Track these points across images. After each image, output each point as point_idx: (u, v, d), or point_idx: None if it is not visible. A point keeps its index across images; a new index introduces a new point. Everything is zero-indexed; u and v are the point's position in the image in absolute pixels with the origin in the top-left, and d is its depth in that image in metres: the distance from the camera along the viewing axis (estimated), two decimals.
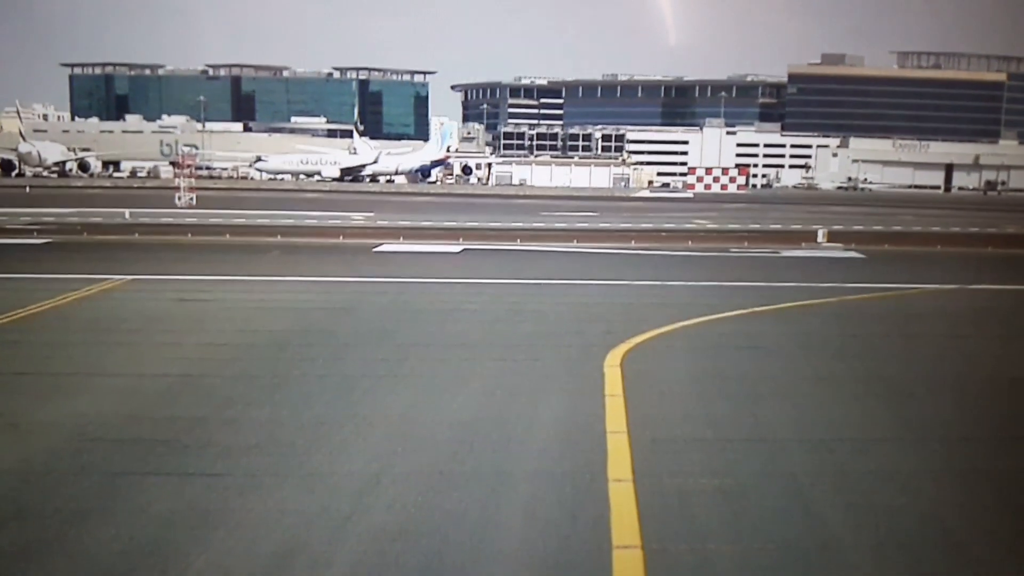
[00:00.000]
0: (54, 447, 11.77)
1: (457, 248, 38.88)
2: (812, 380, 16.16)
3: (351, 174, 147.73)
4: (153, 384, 15.08)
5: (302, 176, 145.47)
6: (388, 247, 39.07)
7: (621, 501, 10.07)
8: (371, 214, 61.93)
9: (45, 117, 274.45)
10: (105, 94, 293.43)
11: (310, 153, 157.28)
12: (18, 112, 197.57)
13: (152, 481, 10.55)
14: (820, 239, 44.37)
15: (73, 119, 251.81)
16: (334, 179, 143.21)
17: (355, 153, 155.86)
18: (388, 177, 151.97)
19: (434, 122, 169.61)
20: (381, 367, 16.45)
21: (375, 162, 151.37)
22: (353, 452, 11.67)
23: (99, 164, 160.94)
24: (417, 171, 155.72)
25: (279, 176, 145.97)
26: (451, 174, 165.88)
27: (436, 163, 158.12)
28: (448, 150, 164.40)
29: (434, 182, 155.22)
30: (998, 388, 16.11)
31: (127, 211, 55.70)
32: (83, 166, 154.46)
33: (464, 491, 10.37)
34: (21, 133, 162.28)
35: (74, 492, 10.21)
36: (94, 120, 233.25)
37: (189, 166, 78.09)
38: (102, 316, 21.81)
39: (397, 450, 11.74)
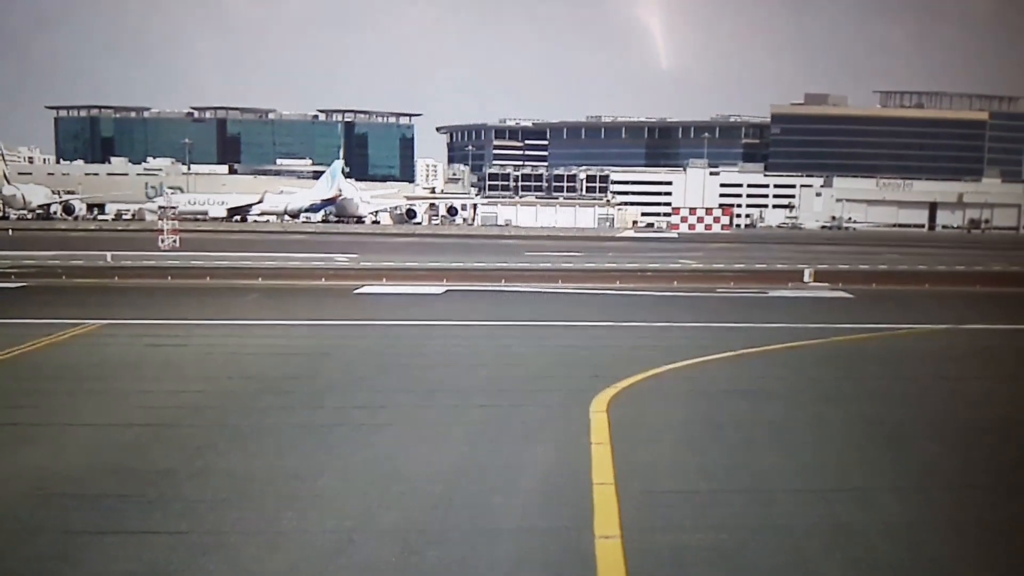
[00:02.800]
0: (8, 503, 11.17)
1: (440, 289, 38.32)
2: (806, 425, 15.63)
3: (238, 214, 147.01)
4: (120, 434, 14.48)
5: (188, 217, 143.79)
6: (370, 289, 38.45)
7: (609, 560, 9.53)
8: (355, 255, 61.42)
9: (31, 160, 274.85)
10: (90, 136, 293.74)
11: (199, 193, 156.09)
12: (2, 155, 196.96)
13: (110, 540, 9.96)
14: (807, 279, 44.01)
15: (58, 162, 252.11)
16: (221, 219, 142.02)
17: (339, 194, 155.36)
18: (279, 217, 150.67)
19: (337, 163, 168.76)
20: (359, 415, 15.86)
21: (260, 201, 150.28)
22: (326, 507, 11.08)
23: (84, 207, 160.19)
24: (307, 210, 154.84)
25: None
26: (436, 215, 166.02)
27: (327, 202, 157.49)
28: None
29: (419, 223, 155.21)
30: (1000, 432, 15.60)
31: (109, 254, 54.99)
32: (67, 209, 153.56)
33: (443, 550, 9.83)
34: (5, 176, 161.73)
35: (25, 553, 9.62)
36: (79, 163, 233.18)
37: (172, 208, 77.68)
38: (72, 363, 21.13)
39: (373, 505, 11.17)
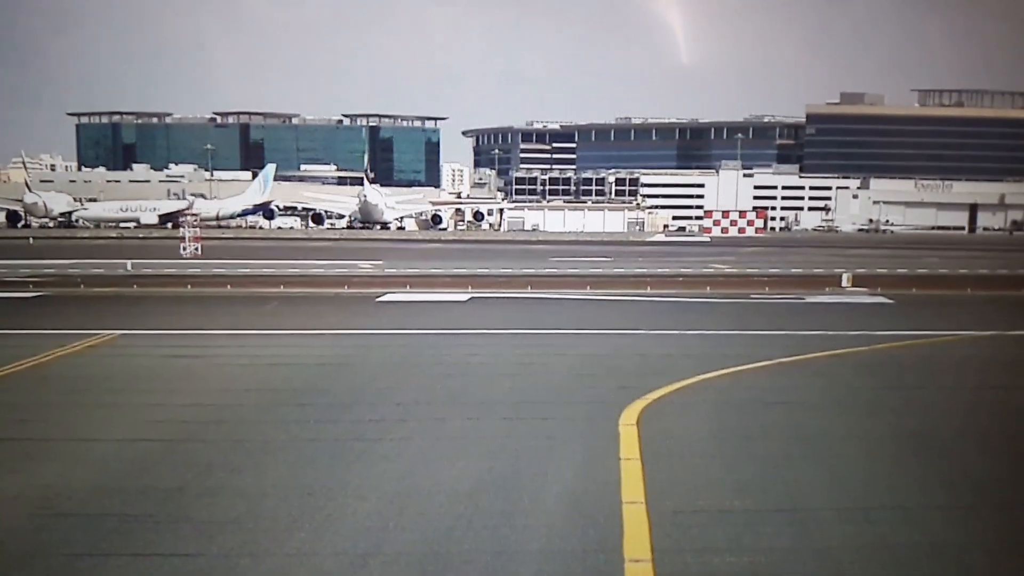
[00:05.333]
0: (12, 524, 10.82)
1: (465, 296, 37.84)
2: (846, 439, 14.98)
3: (171, 219, 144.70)
4: (130, 450, 14.06)
5: (122, 223, 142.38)
6: (393, 296, 38.05)
7: None
8: (380, 262, 61.12)
9: (52, 167, 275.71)
10: (112, 143, 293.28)
11: (130, 200, 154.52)
12: (23, 162, 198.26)
13: (114, 563, 9.61)
14: (845, 284, 43.22)
15: (80, 169, 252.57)
16: (153, 225, 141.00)
17: (364, 199, 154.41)
18: (214, 223, 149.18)
19: (270, 167, 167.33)
20: (377, 429, 15.35)
21: (190, 207, 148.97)
22: (340, 528, 10.65)
23: None
24: (239, 215, 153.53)
25: (100, 224, 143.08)
26: (463, 220, 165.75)
27: (259, 206, 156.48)
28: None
29: (445, 228, 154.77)
30: None
31: (129, 262, 54.90)
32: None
33: (462, 575, 9.41)
34: (27, 183, 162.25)
35: None
36: (101, 170, 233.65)
37: (194, 215, 77.64)
38: (85, 375, 20.77)
39: (389, 526, 10.72)
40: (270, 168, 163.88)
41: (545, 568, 9.54)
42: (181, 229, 74.43)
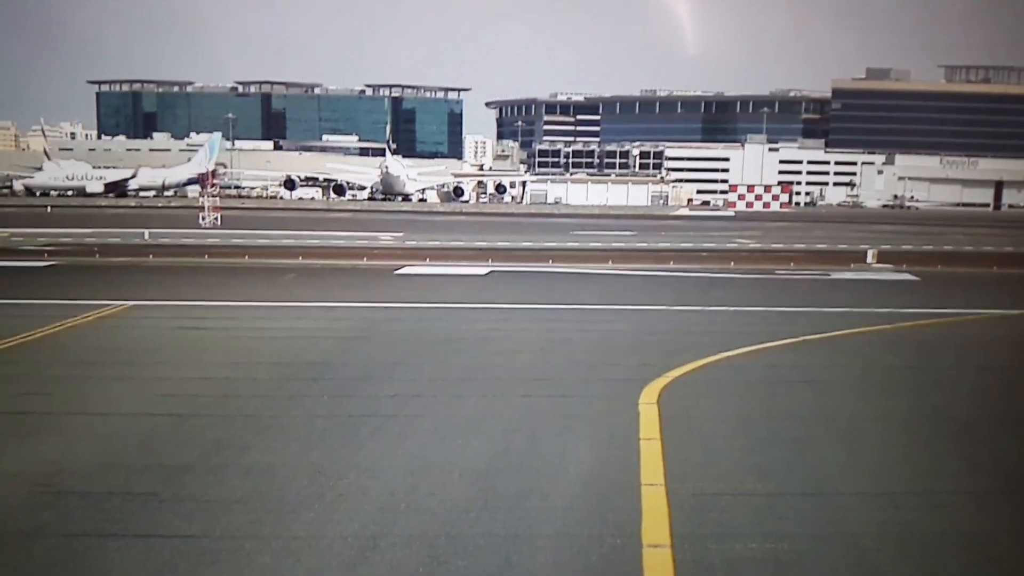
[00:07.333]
0: (10, 502, 10.52)
1: (484, 270, 37.52)
2: (872, 420, 14.56)
3: (116, 189, 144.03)
4: (137, 425, 13.76)
5: (68, 192, 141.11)
6: (411, 269, 37.75)
7: (657, 572, 8.74)
8: (400, 234, 60.94)
9: (72, 135, 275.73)
10: (132, 112, 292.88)
11: (76, 168, 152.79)
12: (43, 131, 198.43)
13: (115, 545, 9.28)
14: (870, 260, 42.76)
15: (100, 137, 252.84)
16: (98, 194, 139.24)
17: (386, 170, 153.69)
18: (156, 191, 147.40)
19: (216, 135, 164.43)
20: (391, 405, 15.02)
21: (134, 176, 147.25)
22: (350, 509, 10.32)
23: None
24: (185, 184, 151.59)
25: (50, 192, 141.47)
26: (485, 193, 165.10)
27: (204, 176, 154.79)
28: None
29: (467, 200, 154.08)
30: None
31: (146, 231, 54.77)
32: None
33: (473, 559, 9.08)
34: (46, 152, 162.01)
35: (20, 559, 9.00)
36: (121, 138, 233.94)
37: (214, 184, 77.23)
38: (94, 346, 20.52)
39: (400, 507, 10.39)
40: (216, 136, 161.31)
41: (561, 553, 9.22)
42: (201, 199, 74.25)
